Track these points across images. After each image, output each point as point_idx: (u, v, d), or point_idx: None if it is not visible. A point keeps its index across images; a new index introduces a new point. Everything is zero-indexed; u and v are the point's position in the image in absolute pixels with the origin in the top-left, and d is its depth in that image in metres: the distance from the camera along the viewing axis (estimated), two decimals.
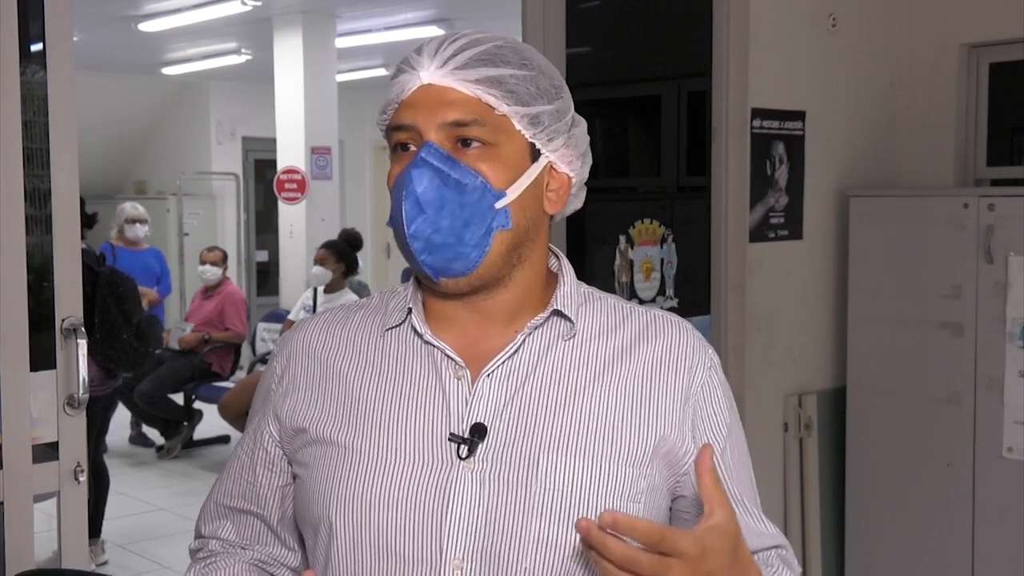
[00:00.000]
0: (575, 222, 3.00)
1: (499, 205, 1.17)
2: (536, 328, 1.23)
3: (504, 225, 1.17)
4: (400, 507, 1.17)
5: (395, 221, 1.17)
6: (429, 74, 1.17)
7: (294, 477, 1.29)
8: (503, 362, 1.21)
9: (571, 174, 1.24)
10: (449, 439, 1.18)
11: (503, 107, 1.17)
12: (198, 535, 1.39)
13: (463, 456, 1.17)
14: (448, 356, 1.21)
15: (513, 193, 1.18)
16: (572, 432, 1.18)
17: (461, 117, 1.16)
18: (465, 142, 1.16)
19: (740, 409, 1.30)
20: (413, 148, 1.17)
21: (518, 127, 1.18)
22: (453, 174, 1.15)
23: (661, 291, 3.35)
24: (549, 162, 1.22)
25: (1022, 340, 3.23)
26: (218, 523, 1.36)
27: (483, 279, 1.19)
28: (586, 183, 1.29)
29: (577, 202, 1.30)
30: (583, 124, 1.26)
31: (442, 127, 1.16)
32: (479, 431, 1.17)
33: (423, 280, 1.22)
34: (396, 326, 1.26)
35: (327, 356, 1.28)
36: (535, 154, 1.20)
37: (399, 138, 1.19)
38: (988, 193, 3.40)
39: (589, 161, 1.28)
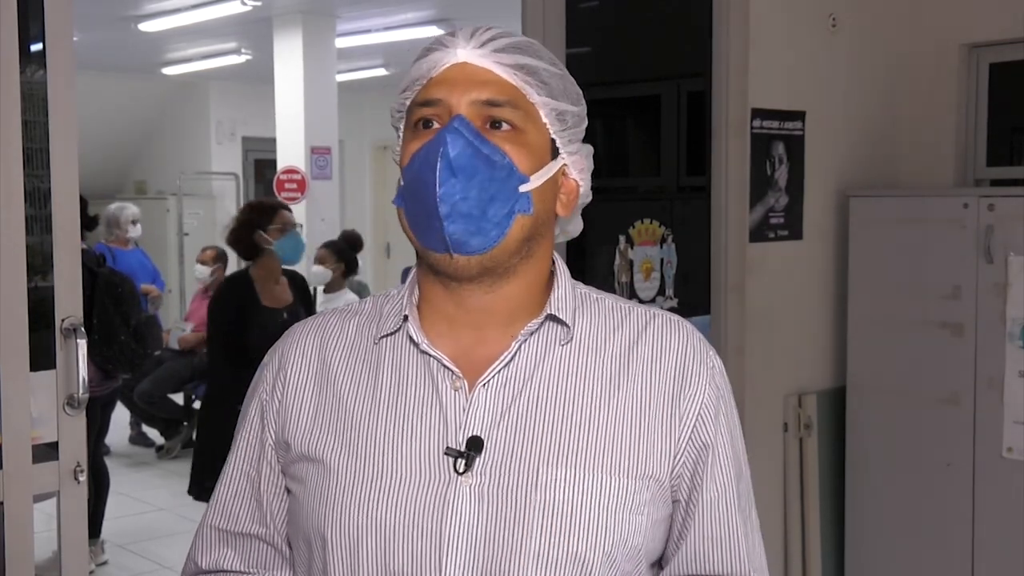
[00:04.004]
0: None
1: (523, 189, 1.15)
2: (531, 334, 1.19)
3: (526, 210, 1.16)
4: (398, 524, 1.14)
5: (417, 187, 1.13)
6: (467, 52, 1.17)
7: (287, 491, 1.25)
8: (499, 371, 1.17)
9: (580, 182, 1.24)
10: (445, 453, 1.14)
11: (536, 96, 1.17)
12: (197, 571, 1.29)
13: (460, 471, 1.14)
14: (445, 366, 1.17)
15: (536, 181, 1.17)
16: (572, 443, 1.15)
17: (496, 97, 1.15)
18: (495, 124, 1.15)
19: (740, 409, 1.29)
20: (437, 125, 1.15)
21: (545, 120, 1.18)
22: (483, 149, 1.13)
23: (661, 291, 3.35)
24: (564, 164, 1.21)
25: (1022, 340, 3.23)
26: (219, 552, 1.28)
27: (495, 262, 1.16)
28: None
29: (577, 224, 1.31)
30: (591, 148, 1.26)
31: (474, 104, 1.15)
32: (475, 444, 1.14)
33: (434, 262, 1.16)
34: (391, 333, 1.22)
35: (320, 366, 1.24)
36: (554, 152, 1.20)
37: (424, 113, 1.17)
38: (988, 193, 3.40)
39: (590, 184, 1.27)
